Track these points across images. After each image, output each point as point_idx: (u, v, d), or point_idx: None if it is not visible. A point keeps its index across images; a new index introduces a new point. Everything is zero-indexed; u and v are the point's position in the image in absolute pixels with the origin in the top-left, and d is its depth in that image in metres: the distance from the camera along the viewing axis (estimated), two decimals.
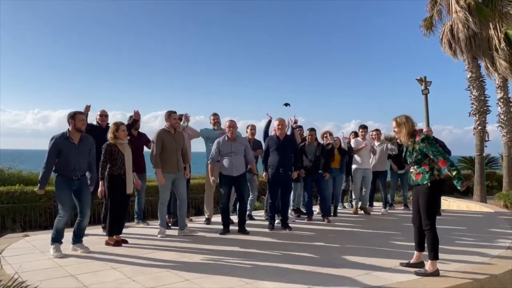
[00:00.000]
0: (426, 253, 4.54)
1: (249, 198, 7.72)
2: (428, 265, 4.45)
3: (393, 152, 8.81)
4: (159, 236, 6.27)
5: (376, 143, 8.99)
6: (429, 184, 4.43)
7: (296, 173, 7.17)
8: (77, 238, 5.39)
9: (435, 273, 4.38)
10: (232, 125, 6.63)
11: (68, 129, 5.18)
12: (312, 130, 8.10)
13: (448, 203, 11.42)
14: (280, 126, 6.96)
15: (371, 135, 9.15)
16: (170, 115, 6.40)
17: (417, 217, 4.64)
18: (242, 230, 6.66)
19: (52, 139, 5.11)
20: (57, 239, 5.23)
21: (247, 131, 7.83)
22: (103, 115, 6.79)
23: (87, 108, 6.47)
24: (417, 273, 4.43)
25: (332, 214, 8.45)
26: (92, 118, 6.73)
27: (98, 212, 7.80)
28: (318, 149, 7.90)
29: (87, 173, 5.38)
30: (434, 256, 4.43)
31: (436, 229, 4.48)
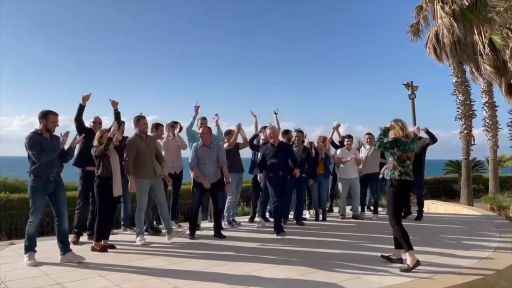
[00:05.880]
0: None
1: (229, 202, 7.72)
2: (407, 259, 4.70)
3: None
4: (139, 243, 6.09)
5: (367, 146, 8.97)
6: (390, 181, 4.88)
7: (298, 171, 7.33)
8: (65, 246, 5.19)
9: (417, 264, 4.63)
10: (205, 131, 6.71)
11: (37, 128, 5.07)
12: (300, 131, 8.14)
13: (435, 206, 11.52)
14: (272, 134, 7.04)
15: (365, 139, 9.15)
16: (139, 120, 6.30)
17: None
18: (218, 234, 6.68)
19: (26, 137, 5.00)
20: (30, 247, 5.13)
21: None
22: (97, 122, 6.69)
23: (85, 98, 6.26)
24: (401, 270, 4.65)
25: (321, 218, 8.51)
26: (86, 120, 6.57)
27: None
28: (304, 152, 7.93)
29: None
30: (408, 247, 4.72)
31: (402, 224, 4.88)
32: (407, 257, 4.71)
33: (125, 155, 6.04)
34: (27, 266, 4.98)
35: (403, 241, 4.77)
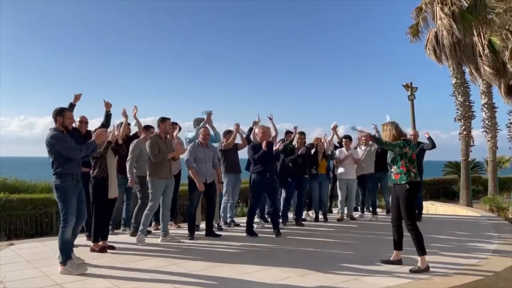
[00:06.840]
0: (407, 248, 4.87)
1: (225, 203, 7.73)
2: (419, 261, 4.74)
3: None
4: (139, 244, 6.11)
5: (363, 147, 8.99)
6: (407, 185, 4.80)
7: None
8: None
9: (427, 268, 4.69)
10: (206, 132, 6.86)
11: (54, 127, 4.76)
12: (302, 134, 8.18)
13: (434, 208, 11.53)
14: (262, 134, 7.01)
15: (360, 139, 9.16)
16: (165, 120, 6.34)
17: (396, 217, 5.02)
18: (210, 233, 6.79)
19: (52, 136, 4.64)
20: (67, 256, 4.70)
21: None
22: (83, 122, 6.58)
23: (77, 97, 6.19)
24: (411, 271, 4.68)
25: (321, 218, 8.53)
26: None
27: None
28: (305, 153, 7.96)
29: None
30: (422, 252, 4.75)
31: (418, 227, 4.86)
32: (419, 260, 4.74)
33: (149, 154, 6.13)
34: (60, 271, 4.63)
35: (417, 245, 4.78)
